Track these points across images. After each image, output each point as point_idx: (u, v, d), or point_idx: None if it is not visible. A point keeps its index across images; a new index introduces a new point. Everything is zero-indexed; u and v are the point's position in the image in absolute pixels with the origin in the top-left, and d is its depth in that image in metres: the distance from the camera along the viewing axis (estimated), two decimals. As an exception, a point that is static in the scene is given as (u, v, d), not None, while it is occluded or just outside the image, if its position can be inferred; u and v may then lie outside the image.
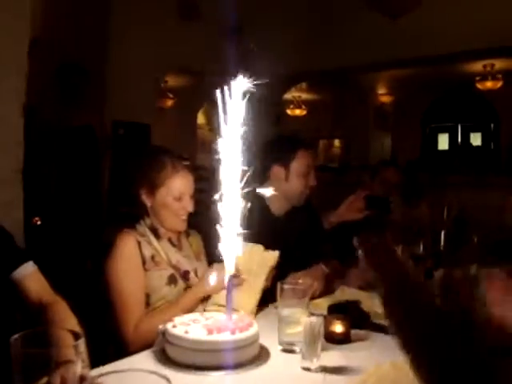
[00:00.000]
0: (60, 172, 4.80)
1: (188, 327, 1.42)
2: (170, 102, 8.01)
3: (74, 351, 0.90)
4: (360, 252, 0.92)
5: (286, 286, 1.59)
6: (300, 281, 1.77)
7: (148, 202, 1.89)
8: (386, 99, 8.79)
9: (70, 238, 4.08)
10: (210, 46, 5.89)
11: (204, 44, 5.76)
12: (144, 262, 1.80)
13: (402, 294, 0.76)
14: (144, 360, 1.42)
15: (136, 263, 1.79)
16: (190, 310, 1.67)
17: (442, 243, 2.88)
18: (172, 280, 1.83)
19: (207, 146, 8.78)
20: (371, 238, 0.86)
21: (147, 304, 1.79)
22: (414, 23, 5.24)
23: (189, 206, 1.89)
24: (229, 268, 1.49)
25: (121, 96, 5.01)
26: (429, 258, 2.55)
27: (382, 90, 8.77)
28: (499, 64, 7.01)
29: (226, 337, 1.37)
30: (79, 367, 0.91)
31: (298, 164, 2.36)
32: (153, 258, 1.83)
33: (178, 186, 1.87)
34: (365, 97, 8.84)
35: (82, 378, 0.92)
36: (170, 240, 1.93)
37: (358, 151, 9.13)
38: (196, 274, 1.91)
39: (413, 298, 0.75)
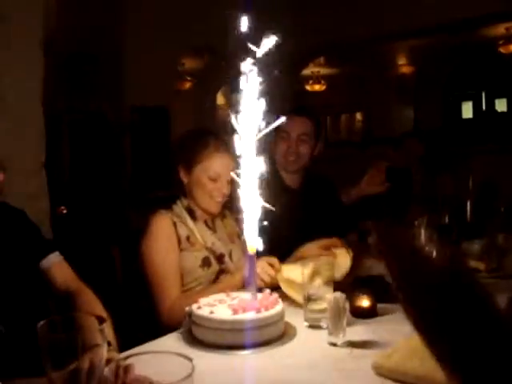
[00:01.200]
0: (75, 160, 4.85)
1: (213, 308, 1.43)
2: (188, 85, 7.99)
3: (100, 335, 0.92)
4: (372, 238, 0.90)
5: (311, 263, 1.59)
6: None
7: (185, 179, 1.91)
8: (406, 70, 8.62)
9: (95, 225, 4.14)
10: (226, 25, 5.84)
11: (220, 21, 5.71)
12: (180, 242, 1.83)
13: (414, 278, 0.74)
14: (171, 342, 1.44)
15: (173, 242, 1.82)
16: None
17: (469, 213, 2.84)
18: (206, 262, 1.85)
19: (228, 127, 8.74)
20: (387, 224, 0.83)
21: (181, 285, 1.81)
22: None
23: (224, 188, 1.89)
24: (252, 247, 1.49)
25: (138, 81, 5.01)
26: (454, 229, 2.52)
27: (401, 61, 8.59)
28: (522, 26, 6.80)
29: (251, 316, 1.38)
30: (105, 350, 0.92)
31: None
32: (188, 238, 1.85)
33: (214, 166, 1.88)
34: (385, 68, 8.69)
35: (109, 361, 0.93)
36: (205, 222, 1.95)
37: (380, 124, 9.00)
38: (230, 257, 1.93)
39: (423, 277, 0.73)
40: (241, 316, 1.38)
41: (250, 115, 1.47)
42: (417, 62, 8.51)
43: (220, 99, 9.00)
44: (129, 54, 5.11)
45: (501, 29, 6.85)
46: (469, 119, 9.50)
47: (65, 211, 4.39)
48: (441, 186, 4.28)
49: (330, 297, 1.42)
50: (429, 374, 1.08)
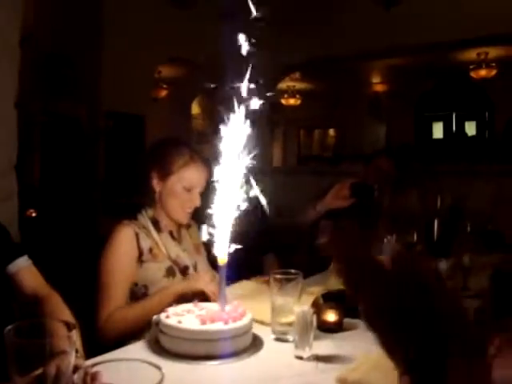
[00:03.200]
0: (46, 163, 4.78)
1: (181, 317, 1.44)
2: (163, 93, 7.97)
3: (68, 342, 0.92)
4: (322, 239, 0.91)
5: (278, 276, 1.60)
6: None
7: (157, 187, 1.90)
8: (380, 88, 8.78)
9: (65, 230, 4.08)
10: (204, 35, 5.88)
11: (198, 33, 5.75)
12: (141, 254, 1.82)
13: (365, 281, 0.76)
14: (138, 350, 1.44)
15: (130, 256, 1.81)
16: (167, 305, 1.61)
17: (436, 232, 2.91)
18: (170, 272, 1.85)
19: (203, 137, 8.77)
20: (339, 225, 0.85)
21: (146, 295, 1.80)
22: (408, 12, 5.24)
23: (197, 199, 1.90)
24: (222, 258, 1.50)
25: (114, 87, 4.99)
26: (421, 247, 2.57)
27: (376, 79, 8.75)
28: (493, 52, 7.01)
29: (219, 326, 1.39)
30: (73, 357, 0.92)
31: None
32: (151, 250, 1.84)
33: (190, 177, 1.89)
34: (359, 86, 8.83)
35: (76, 368, 0.93)
36: (170, 233, 1.95)
37: (352, 140, 9.13)
38: (195, 269, 1.94)
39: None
40: (209, 326, 1.39)
41: (230, 126, 1.49)
42: (390, 81, 8.68)
43: (195, 108, 9.01)
44: (106, 59, 5.09)
45: (473, 54, 7.05)
46: (439, 139, 9.70)
47: (34, 214, 4.33)
48: (405, 204, 4.37)
49: (297, 310, 1.44)
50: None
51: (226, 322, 1.40)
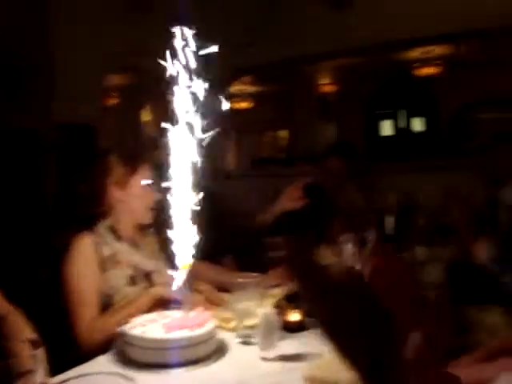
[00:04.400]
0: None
1: (146, 327, 1.44)
2: (114, 101, 7.86)
3: (33, 360, 0.91)
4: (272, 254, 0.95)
5: (239, 280, 1.63)
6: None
7: (118, 195, 1.91)
8: (329, 89, 8.92)
9: (20, 246, 3.97)
10: (153, 42, 5.83)
11: (147, 40, 5.70)
12: (103, 262, 1.82)
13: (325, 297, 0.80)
14: (104, 363, 1.43)
15: (92, 265, 1.80)
16: (147, 311, 1.66)
17: (390, 228, 2.99)
18: (133, 280, 1.85)
19: (154, 144, 8.68)
20: (292, 242, 0.89)
21: (111, 305, 1.79)
22: (356, 13, 5.35)
23: (155, 195, 1.93)
24: (185, 264, 1.51)
25: (65, 98, 4.88)
26: (377, 244, 2.63)
27: (325, 80, 8.89)
28: (438, 50, 7.24)
29: (184, 334, 1.40)
30: (40, 376, 0.91)
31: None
32: (112, 258, 1.85)
33: (147, 176, 1.93)
34: (309, 87, 8.95)
35: (44, 386, 0.92)
36: (129, 241, 1.95)
37: (304, 142, 9.23)
38: (159, 274, 1.94)
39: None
40: (174, 334, 1.39)
41: (181, 130, 1.51)
42: (339, 81, 8.83)
43: (145, 116, 8.92)
44: (56, 69, 4.97)
45: (417, 52, 7.27)
46: (388, 137, 9.93)
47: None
48: (363, 202, 4.47)
49: (261, 312, 1.46)
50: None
51: (191, 329, 1.41)
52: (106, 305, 1.79)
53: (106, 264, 1.82)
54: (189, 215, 1.51)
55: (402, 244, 2.87)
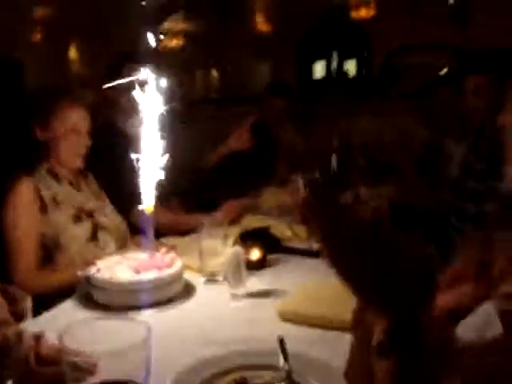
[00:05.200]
0: None
1: (113, 270, 1.41)
2: (39, 36, 7.35)
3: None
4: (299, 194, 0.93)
5: (204, 220, 1.62)
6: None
7: (43, 137, 1.86)
8: (264, 27, 8.79)
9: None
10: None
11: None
12: (45, 205, 1.80)
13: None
14: (69, 308, 1.40)
15: (33, 208, 1.78)
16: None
17: (334, 168, 3.06)
18: (77, 219, 1.84)
19: (82, 80, 8.32)
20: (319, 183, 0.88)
21: (58, 245, 1.78)
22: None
23: (86, 140, 1.89)
24: (149, 206, 1.48)
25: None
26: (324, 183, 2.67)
27: (259, 18, 8.74)
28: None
29: (154, 274, 1.39)
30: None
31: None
32: (54, 199, 1.82)
33: (73, 118, 1.87)
34: (243, 25, 8.77)
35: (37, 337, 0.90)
36: (70, 183, 1.92)
37: (236, 81, 9.11)
38: (103, 213, 1.93)
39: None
40: (144, 276, 1.38)
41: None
42: (274, 20, 8.71)
43: (72, 52, 8.45)
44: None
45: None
46: (320, 80, 9.99)
47: None
48: (302, 144, 4.53)
49: (229, 250, 1.47)
50: (337, 317, 1.18)
51: (160, 269, 1.40)
52: (54, 245, 1.79)
53: (47, 206, 1.80)
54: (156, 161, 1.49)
55: (345, 184, 2.96)
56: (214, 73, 10.93)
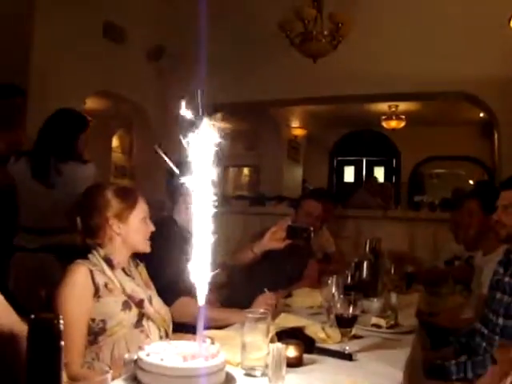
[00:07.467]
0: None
1: (162, 355, 1.49)
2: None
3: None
4: None
5: (249, 315, 1.71)
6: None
7: (119, 230, 2.00)
8: (298, 132, 9.21)
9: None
10: (132, 71, 5.95)
11: (126, 68, 5.82)
12: (97, 290, 1.88)
13: None
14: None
15: (87, 292, 1.85)
16: None
17: (365, 274, 3.13)
18: (126, 306, 1.92)
19: (120, 170, 8.71)
20: None
21: (104, 329, 1.86)
22: (331, 65, 5.61)
23: (152, 226, 2.07)
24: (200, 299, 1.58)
25: (41, 118, 4.86)
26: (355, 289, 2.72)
27: (295, 124, 9.17)
28: (402, 106, 7.67)
29: (201, 363, 1.46)
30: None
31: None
32: (106, 285, 1.91)
33: (144, 208, 2.05)
34: (279, 129, 9.20)
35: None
36: (123, 270, 2.03)
37: (269, 181, 9.42)
38: (150, 303, 2.01)
39: None
40: (191, 363, 1.45)
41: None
42: (308, 126, 9.14)
43: (114, 142, 8.93)
44: (33, 95, 4.94)
45: (384, 106, 7.68)
46: (350, 183, 10.27)
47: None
48: (334, 246, 4.64)
49: (272, 346, 1.55)
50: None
51: (206, 359, 1.48)
52: (100, 329, 1.86)
53: (100, 291, 1.88)
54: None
55: (375, 289, 3.03)
56: (246, 171, 11.33)
